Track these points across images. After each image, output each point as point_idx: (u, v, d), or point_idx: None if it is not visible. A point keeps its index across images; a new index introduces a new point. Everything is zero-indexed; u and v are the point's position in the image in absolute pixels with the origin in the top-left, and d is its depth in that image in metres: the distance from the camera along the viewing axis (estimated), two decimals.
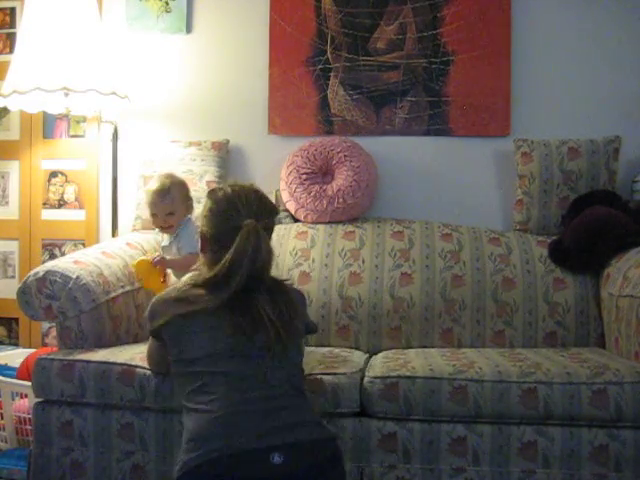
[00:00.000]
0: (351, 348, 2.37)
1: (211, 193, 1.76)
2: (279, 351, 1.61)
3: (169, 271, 2.36)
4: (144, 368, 1.96)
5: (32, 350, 2.76)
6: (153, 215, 2.34)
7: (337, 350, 2.29)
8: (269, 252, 1.68)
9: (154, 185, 2.33)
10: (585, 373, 1.88)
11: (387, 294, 2.45)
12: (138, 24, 3.01)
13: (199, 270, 1.77)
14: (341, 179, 2.72)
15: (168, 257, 2.33)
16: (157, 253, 2.35)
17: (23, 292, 2.12)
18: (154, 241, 2.61)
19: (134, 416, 1.98)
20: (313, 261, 2.54)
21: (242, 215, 1.66)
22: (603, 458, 1.83)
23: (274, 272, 2.49)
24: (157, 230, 2.46)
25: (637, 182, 2.63)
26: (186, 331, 1.63)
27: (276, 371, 1.61)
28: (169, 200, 2.30)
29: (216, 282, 1.64)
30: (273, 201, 2.71)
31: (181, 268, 2.27)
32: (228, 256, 1.62)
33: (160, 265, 2.30)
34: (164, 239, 2.42)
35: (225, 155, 2.87)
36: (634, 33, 2.78)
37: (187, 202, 2.39)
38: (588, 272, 2.47)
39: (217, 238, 1.69)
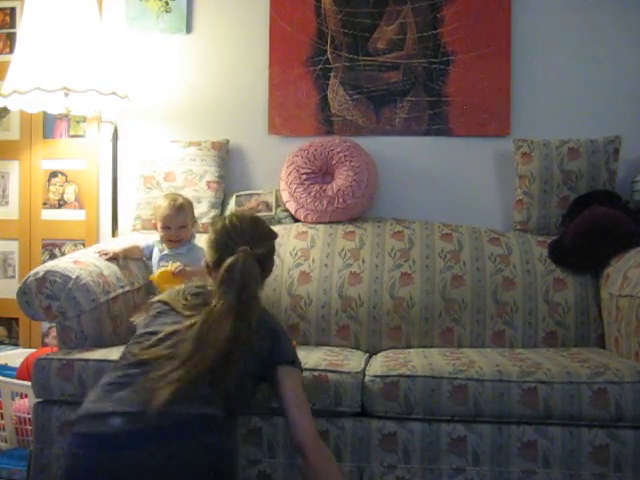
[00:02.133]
0: (351, 348, 2.37)
1: (212, 224, 1.96)
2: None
3: None
4: None
5: (32, 350, 2.76)
6: (166, 228, 2.41)
7: (337, 349, 2.29)
8: (256, 280, 1.78)
9: (167, 200, 2.43)
10: (585, 373, 1.88)
11: (387, 294, 2.45)
12: (138, 24, 3.01)
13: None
14: (341, 179, 2.72)
15: (188, 268, 2.34)
16: (178, 264, 2.33)
17: (23, 292, 2.12)
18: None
19: None
20: (313, 261, 2.54)
21: (237, 244, 1.79)
22: (603, 458, 1.83)
23: (274, 272, 2.52)
24: (153, 241, 2.48)
25: (637, 182, 2.63)
26: None
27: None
28: (183, 214, 2.42)
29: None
30: (273, 200, 2.77)
31: (201, 277, 2.29)
32: (219, 273, 1.76)
33: (180, 275, 2.29)
34: (164, 249, 2.45)
35: (225, 155, 2.87)
36: (634, 33, 2.79)
37: (194, 218, 2.51)
38: (588, 272, 2.47)
39: (218, 266, 1.79)
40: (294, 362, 1.79)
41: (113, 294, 2.25)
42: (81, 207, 3.05)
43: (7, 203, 3.12)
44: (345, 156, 2.73)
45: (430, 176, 2.87)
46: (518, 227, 2.67)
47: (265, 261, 1.87)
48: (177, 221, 2.40)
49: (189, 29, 3.00)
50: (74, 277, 2.13)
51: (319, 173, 2.77)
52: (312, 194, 2.71)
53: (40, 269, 2.15)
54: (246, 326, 1.68)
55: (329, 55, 2.89)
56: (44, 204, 3.08)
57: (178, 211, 2.40)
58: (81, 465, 1.50)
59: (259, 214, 2.76)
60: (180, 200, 2.44)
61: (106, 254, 2.36)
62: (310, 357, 2.06)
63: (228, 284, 1.72)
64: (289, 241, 2.62)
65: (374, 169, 2.78)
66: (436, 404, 1.87)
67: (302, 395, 1.74)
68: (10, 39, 3.10)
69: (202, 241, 2.46)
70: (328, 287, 2.48)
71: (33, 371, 2.04)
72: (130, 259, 2.45)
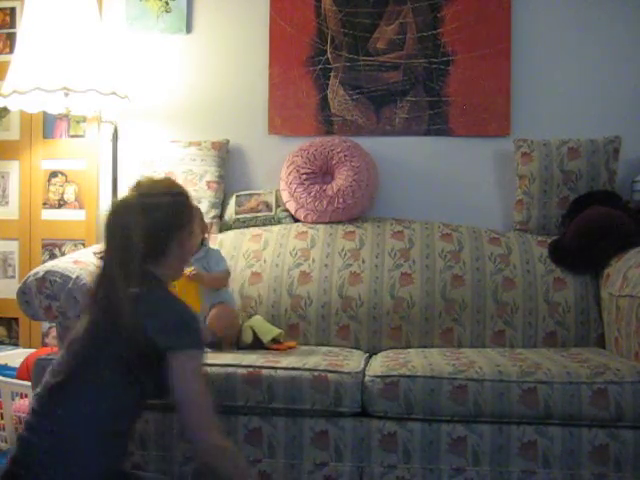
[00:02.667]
0: (351, 348, 2.37)
1: None
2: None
3: None
4: None
5: (32, 350, 2.76)
6: (194, 234, 2.27)
7: (337, 350, 2.29)
8: (133, 226, 1.56)
9: None
10: (585, 373, 1.88)
11: (387, 294, 2.45)
12: (138, 24, 3.01)
13: None
14: (341, 179, 2.72)
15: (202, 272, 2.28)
16: (192, 268, 2.25)
17: (23, 292, 2.12)
18: None
19: None
20: (313, 261, 2.54)
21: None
22: (603, 458, 1.83)
23: (274, 272, 2.52)
24: None
25: (637, 182, 2.63)
26: None
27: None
28: None
29: None
30: (273, 200, 2.76)
31: (213, 283, 2.30)
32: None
33: (195, 279, 2.24)
34: None
35: (225, 155, 2.87)
36: (634, 33, 2.79)
37: (203, 223, 2.40)
38: (588, 272, 2.47)
39: None
40: (184, 346, 1.51)
41: None
42: (81, 207, 3.04)
43: (7, 203, 3.12)
44: (345, 156, 2.73)
45: (430, 176, 2.87)
46: (518, 227, 2.67)
47: (162, 210, 1.61)
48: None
49: (189, 29, 3.00)
50: (74, 277, 2.13)
51: (319, 173, 2.77)
52: (312, 194, 2.71)
53: (40, 269, 2.15)
54: (121, 293, 1.51)
55: (329, 55, 2.89)
56: (44, 204, 3.07)
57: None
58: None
59: (259, 214, 2.77)
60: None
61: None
62: (310, 357, 2.06)
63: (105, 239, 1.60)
64: (289, 241, 2.62)
65: (374, 169, 2.78)
66: (436, 404, 1.87)
67: (191, 388, 1.49)
68: (10, 39, 3.10)
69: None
70: (328, 287, 2.48)
71: (32, 371, 2.04)
72: None
